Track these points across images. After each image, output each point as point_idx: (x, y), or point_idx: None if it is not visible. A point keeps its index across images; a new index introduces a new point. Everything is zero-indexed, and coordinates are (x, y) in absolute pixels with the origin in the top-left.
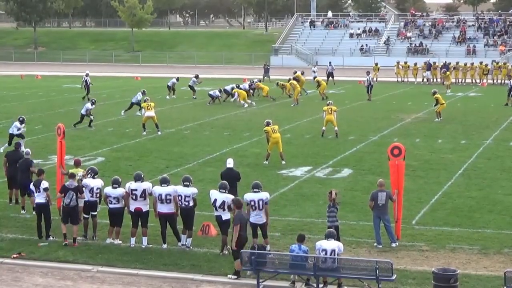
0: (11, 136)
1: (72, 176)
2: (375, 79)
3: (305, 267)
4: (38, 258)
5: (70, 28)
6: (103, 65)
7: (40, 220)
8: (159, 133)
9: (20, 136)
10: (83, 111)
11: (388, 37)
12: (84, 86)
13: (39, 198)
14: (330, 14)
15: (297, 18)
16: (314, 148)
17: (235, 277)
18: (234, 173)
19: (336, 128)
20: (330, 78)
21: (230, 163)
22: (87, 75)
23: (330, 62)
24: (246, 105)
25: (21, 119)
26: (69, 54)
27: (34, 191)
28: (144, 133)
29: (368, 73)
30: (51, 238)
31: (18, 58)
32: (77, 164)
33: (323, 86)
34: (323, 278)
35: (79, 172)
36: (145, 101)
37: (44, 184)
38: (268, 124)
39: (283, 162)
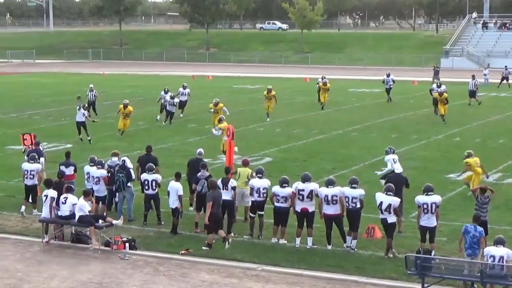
0: None
1: (204, 167)
2: None
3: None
4: (205, 255)
5: (241, 30)
6: (272, 66)
7: (223, 216)
8: None
9: None
10: None
11: None
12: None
13: (226, 195)
14: (475, 15)
15: (469, 20)
16: (484, 152)
17: (207, 248)
18: (403, 179)
19: None
20: (504, 81)
21: (398, 168)
22: None
23: (506, 66)
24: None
25: None
26: (240, 55)
27: (222, 188)
28: None
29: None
30: (232, 234)
31: (190, 58)
32: (245, 163)
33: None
34: (490, 285)
35: (248, 171)
36: None
37: (233, 182)
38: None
39: None
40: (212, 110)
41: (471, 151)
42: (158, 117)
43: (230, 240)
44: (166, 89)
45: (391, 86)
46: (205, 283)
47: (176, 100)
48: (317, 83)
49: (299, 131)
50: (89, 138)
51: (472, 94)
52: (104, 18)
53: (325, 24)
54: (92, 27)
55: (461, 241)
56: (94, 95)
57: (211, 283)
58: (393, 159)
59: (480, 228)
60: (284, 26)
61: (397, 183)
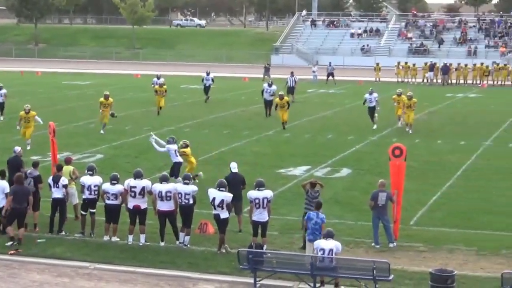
0: None
1: (35, 165)
2: (377, 79)
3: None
4: (35, 255)
5: (71, 25)
6: (103, 62)
7: (54, 215)
8: None
9: None
10: None
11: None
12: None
13: (57, 193)
14: (304, 13)
15: (298, 17)
16: (313, 148)
17: (11, 242)
18: (240, 178)
19: None
20: (330, 77)
21: (234, 167)
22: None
23: (330, 63)
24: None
25: None
26: (70, 51)
27: (52, 185)
28: None
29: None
30: (63, 233)
31: (18, 54)
32: (67, 162)
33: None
34: (320, 277)
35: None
36: None
37: (64, 180)
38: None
39: None
40: (20, 122)
41: (187, 141)
42: None
43: (17, 242)
44: None
45: (211, 85)
46: (35, 283)
47: None
48: (152, 84)
49: (130, 127)
50: None
51: (291, 90)
52: None
53: (157, 20)
54: None
55: (305, 227)
56: None
57: (41, 283)
58: (175, 150)
59: (322, 215)
60: (203, 22)
61: (235, 182)
